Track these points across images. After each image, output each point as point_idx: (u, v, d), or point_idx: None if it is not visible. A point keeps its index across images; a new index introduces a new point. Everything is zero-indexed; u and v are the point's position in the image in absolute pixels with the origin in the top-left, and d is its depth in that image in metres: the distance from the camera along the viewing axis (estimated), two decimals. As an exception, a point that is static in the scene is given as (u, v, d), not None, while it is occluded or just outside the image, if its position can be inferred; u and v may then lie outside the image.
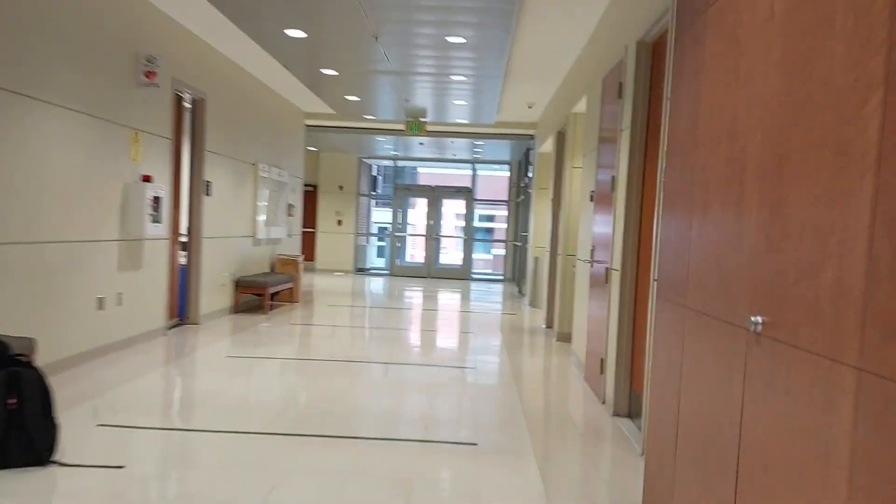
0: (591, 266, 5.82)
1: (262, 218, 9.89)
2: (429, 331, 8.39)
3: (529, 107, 10.57)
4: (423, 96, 9.78)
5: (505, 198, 17.76)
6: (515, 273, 15.76)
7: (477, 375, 5.87)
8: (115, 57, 5.90)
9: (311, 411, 4.53)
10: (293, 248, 11.91)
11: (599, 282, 5.48)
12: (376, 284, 14.75)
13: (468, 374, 5.93)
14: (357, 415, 4.51)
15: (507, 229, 17.52)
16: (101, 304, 5.83)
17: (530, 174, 12.67)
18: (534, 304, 11.05)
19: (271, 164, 10.34)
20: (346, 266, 17.20)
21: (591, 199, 6.04)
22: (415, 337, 7.85)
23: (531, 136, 12.56)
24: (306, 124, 12.50)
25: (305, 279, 14.58)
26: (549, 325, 8.79)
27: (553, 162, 8.93)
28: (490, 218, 26.91)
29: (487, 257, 25.81)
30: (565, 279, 7.73)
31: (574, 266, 7.45)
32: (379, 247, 20.81)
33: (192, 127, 7.84)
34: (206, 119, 7.89)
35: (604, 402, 5.15)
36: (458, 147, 15.14)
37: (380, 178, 20.66)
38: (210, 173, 8.05)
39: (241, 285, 9.00)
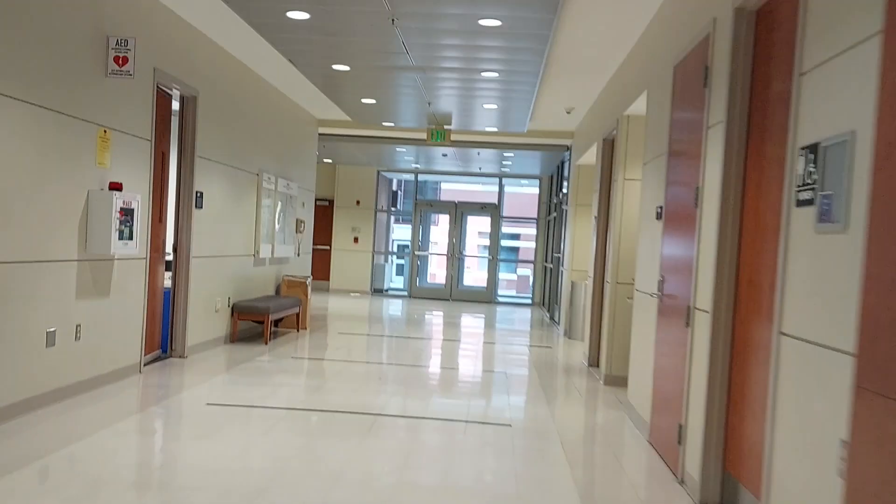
0: (661, 301, 4.60)
1: (265, 235, 8.78)
2: (451, 369, 7.19)
3: (568, 112, 9.38)
4: (447, 99, 8.64)
5: (532, 215, 16.51)
6: (545, 297, 14.49)
7: (514, 436, 4.66)
8: (78, 36, 4.82)
9: (296, 500, 3.35)
10: (302, 268, 10.77)
11: (675, 323, 4.27)
12: (394, 308, 13.57)
13: (503, 433, 4.72)
14: (357, 504, 3.33)
15: (536, 249, 16.28)
16: (50, 338, 4.72)
17: (565, 189, 11.46)
18: (570, 334, 9.80)
19: (278, 174, 9.23)
20: (362, 286, 16.05)
21: (659, 217, 4.84)
22: (435, 378, 6.66)
23: (567, 147, 11.36)
24: (320, 133, 11.41)
25: (319, 301, 13.44)
26: (594, 364, 7.54)
27: (598, 174, 7.73)
28: (515, 236, 25.65)
29: (511, 277, 24.53)
30: (616, 311, 6.50)
31: (630, 297, 6.22)
32: (398, 265, 19.66)
33: (181, 128, 6.74)
34: (198, 120, 6.78)
35: (682, 482, 3.92)
36: (485, 159, 13.98)
37: (400, 192, 19.55)
38: (202, 183, 6.94)
39: (238, 311, 7.87)
